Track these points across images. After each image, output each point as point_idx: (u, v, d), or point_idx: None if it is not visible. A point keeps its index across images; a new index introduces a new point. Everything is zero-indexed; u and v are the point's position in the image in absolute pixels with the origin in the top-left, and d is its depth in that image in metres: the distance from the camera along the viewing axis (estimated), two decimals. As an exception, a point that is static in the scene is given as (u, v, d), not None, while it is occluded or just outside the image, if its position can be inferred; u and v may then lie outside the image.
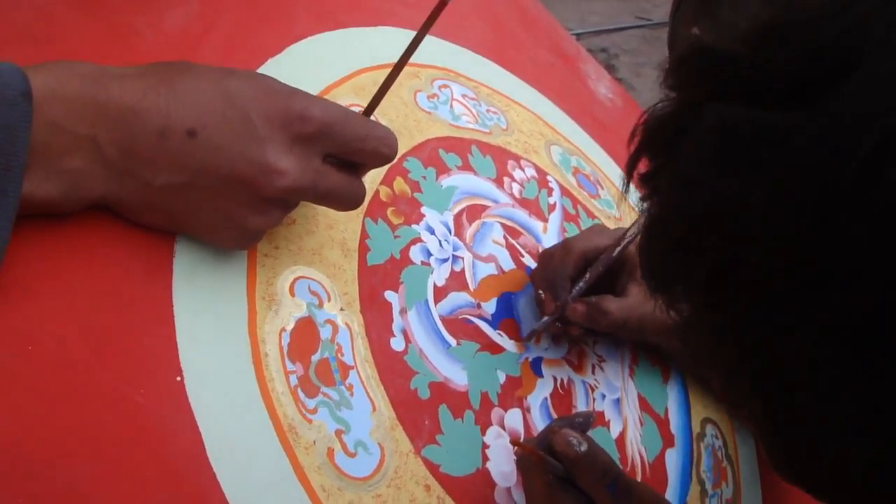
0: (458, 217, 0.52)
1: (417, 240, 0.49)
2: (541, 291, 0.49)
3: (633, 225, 0.49)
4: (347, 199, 0.40)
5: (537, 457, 0.40)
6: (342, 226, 0.47)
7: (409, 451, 0.42)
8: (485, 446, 0.45)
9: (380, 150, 0.39)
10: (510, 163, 0.58)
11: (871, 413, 0.24)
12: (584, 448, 0.39)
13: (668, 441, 0.54)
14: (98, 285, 0.37)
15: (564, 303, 0.48)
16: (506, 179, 0.57)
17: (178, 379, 0.37)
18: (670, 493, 0.52)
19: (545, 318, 0.50)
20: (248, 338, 0.40)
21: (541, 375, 0.50)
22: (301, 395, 0.40)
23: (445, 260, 0.50)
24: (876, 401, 0.23)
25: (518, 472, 0.43)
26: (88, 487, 0.33)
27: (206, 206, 0.37)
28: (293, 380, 0.40)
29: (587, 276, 0.48)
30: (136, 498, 0.34)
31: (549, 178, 0.60)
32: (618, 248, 0.48)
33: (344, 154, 0.38)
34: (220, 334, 0.39)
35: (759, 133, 0.23)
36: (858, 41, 0.22)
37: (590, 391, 0.52)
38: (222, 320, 0.40)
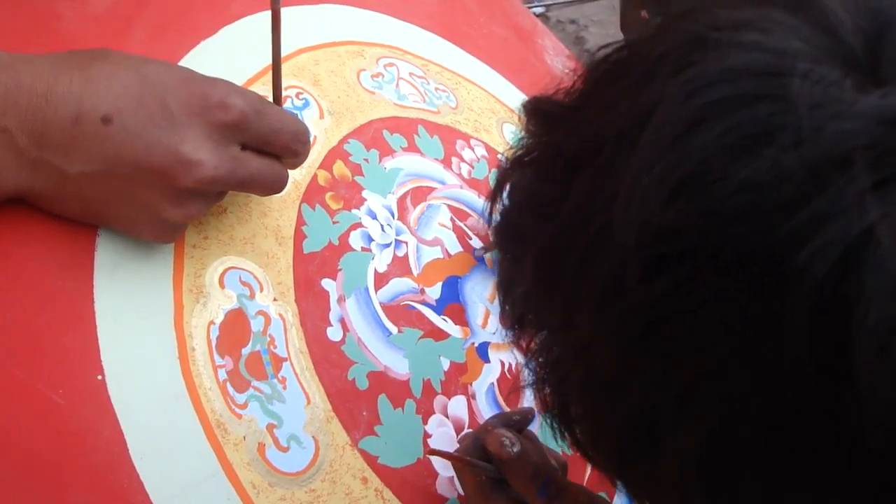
0: (401, 200, 0.51)
1: (358, 225, 0.48)
2: None
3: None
4: (269, 184, 0.39)
5: (459, 462, 0.40)
6: (277, 213, 0.45)
7: (345, 444, 0.41)
8: (426, 435, 0.44)
9: (292, 146, 0.38)
10: (459, 142, 0.57)
11: None
12: (516, 449, 0.39)
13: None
14: (13, 281, 0.36)
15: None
16: (454, 160, 0.56)
17: (99, 378, 0.36)
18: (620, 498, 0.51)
19: None
20: (174, 332, 0.39)
21: (487, 360, 0.49)
22: (230, 389, 0.39)
23: (388, 245, 0.48)
24: None
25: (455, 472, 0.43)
26: (4, 489, 0.32)
27: (124, 197, 0.36)
28: (222, 374, 0.39)
29: None
30: (55, 499, 0.33)
31: (499, 156, 0.59)
32: None
33: (259, 146, 0.37)
34: (145, 330, 0.38)
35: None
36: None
37: (539, 375, 0.51)
38: (147, 315, 0.38)
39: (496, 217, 0.31)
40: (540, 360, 0.29)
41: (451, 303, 0.49)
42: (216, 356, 0.39)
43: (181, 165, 0.35)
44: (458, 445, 0.45)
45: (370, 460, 0.42)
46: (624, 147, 0.22)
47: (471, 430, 0.46)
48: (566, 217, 0.24)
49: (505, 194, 0.30)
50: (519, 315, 0.30)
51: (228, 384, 0.39)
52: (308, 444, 0.40)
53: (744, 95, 0.20)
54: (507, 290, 0.31)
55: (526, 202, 0.28)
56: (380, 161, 0.51)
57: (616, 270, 0.22)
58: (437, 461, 0.44)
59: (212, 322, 0.40)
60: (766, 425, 0.20)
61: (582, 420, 0.28)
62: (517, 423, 0.41)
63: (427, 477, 0.43)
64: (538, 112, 0.28)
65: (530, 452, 0.39)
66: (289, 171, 0.40)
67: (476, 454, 0.40)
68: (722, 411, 0.21)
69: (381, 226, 0.49)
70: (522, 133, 0.29)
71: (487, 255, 0.53)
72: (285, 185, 0.40)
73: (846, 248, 0.18)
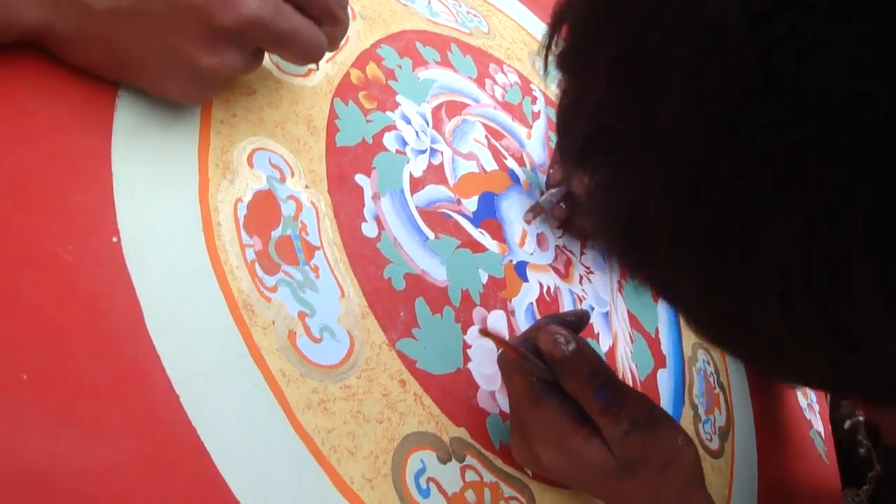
0: (436, 111, 0.48)
1: (392, 127, 0.44)
2: (551, 171, 0.47)
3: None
4: (308, 47, 0.35)
5: (514, 353, 0.35)
6: (309, 103, 0.42)
7: (382, 343, 0.37)
8: (466, 346, 0.40)
9: (333, 9, 0.35)
10: (492, 66, 0.54)
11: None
12: (571, 347, 0.35)
13: (659, 361, 0.50)
14: (25, 133, 0.32)
15: (573, 173, 0.45)
16: (487, 81, 0.53)
17: (115, 240, 0.32)
18: (662, 414, 0.48)
19: (552, 191, 0.46)
20: (199, 205, 0.35)
21: (526, 280, 0.45)
22: (259, 270, 0.35)
23: (423, 151, 0.45)
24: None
25: (501, 374, 0.38)
26: (4, 348, 0.28)
27: (152, 40, 0.32)
28: (250, 254, 0.35)
29: None
30: (60, 366, 0.29)
31: (532, 86, 0.56)
32: None
33: (299, 3, 0.34)
34: (166, 198, 0.34)
35: None
36: None
37: (578, 301, 0.48)
38: (168, 183, 0.34)
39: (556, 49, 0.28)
40: (608, 189, 0.25)
41: (488, 218, 0.46)
42: (244, 234, 0.35)
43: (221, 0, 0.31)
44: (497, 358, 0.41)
45: (408, 363, 0.38)
46: None
47: (511, 346, 0.42)
48: None
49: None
50: (587, 135, 0.25)
51: (257, 265, 0.35)
52: (342, 337, 0.36)
53: None
54: (568, 119, 0.27)
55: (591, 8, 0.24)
56: (413, 70, 0.48)
57: (713, 28, 0.18)
58: (477, 372, 0.40)
59: (239, 199, 0.36)
60: (884, 187, 0.17)
61: (662, 250, 0.24)
62: (572, 324, 0.38)
63: (468, 388, 0.39)
64: None
65: (587, 352, 0.35)
66: (320, 62, 0.37)
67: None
68: (831, 179, 0.18)
69: (416, 132, 0.46)
70: None
71: (523, 177, 0.49)
72: (323, 53, 0.36)
73: None
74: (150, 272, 0.32)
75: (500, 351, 0.40)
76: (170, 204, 0.34)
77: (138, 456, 0.29)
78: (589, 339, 0.46)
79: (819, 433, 0.62)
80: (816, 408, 0.64)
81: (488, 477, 0.37)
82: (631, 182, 0.23)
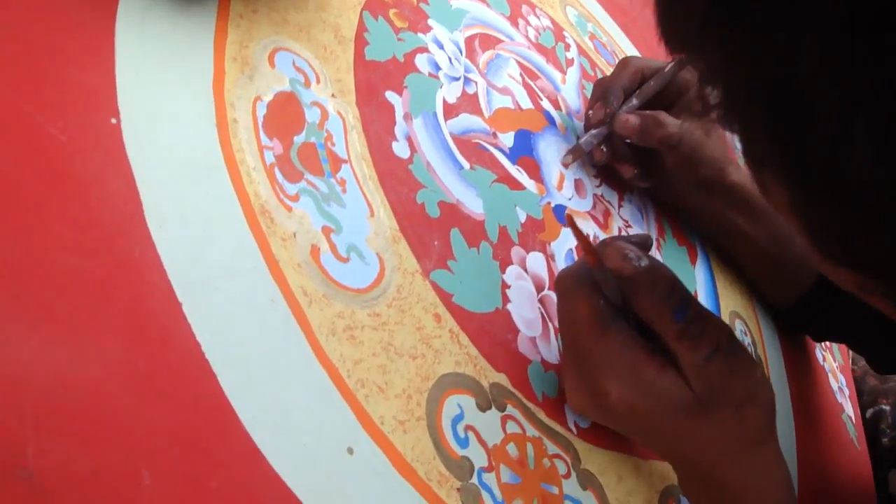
0: (469, 41, 0.44)
1: (423, 49, 0.40)
2: (590, 112, 0.43)
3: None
4: None
5: (594, 260, 0.30)
6: (336, 11, 0.37)
7: (415, 271, 0.33)
8: (504, 285, 0.36)
9: None
10: (524, 7, 0.50)
11: None
12: (644, 263, 0.30)
13: (699, 328, 0.46)
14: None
15: (615, 112, 0.41)
16: (520, 21, 0.49)
17: (114, 121, 0.27)
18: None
19: (592, 132, 0.42)
20: (213, 97, 0.30)
21: (565, 224, 0.41)
22: (279, 176, 0.30)
23: (456, 79, 0.41)
24: None
25: (558, 299, 0.33)
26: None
27: None
28: (269, 156, 0.30)
29: (639, 92, 0.42)
30: (45, 242, 0.24)
31: (565, 33, 0.52)
32: (670, 65, 0.42)
33: None
34: (175, 84, 0.29)
35: None
36: None
37: (617, 255, 0.43)
38: (178, 70, 0.30)
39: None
40: (742, 61, 0.21)
41: (525, 155, 0.42)
42: (263, 135, 0.30)
43: None
44: (538, 304, 0.37)
45: (444, 296, 0.33)
46: None
47: (551, 291, 0.38)
48: None
49: None
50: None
51: (277, 170, 0.30)
52: (372, 260, 0.31)
53: None
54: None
55: None
56: (445, -3, 0.44)
57: None
58: (517, 315, 0.35)
59: (259, 98, 0.31)
60: None
61: (824, 116, 0.20)
62: (636, 245, 0.33)
63: (507, 332, 0.34)
64: None
65: (662, 268, 0.31)
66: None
67: (587, 282, 0.31)
68: None
69: (449, 58, 0.41)
70: None
71: (559, 121, 0.45)
72: None
73: None
74: (153, 162, 0.27)
75: (546, 287, 0.35)
76: (179, 92, 0.29)
77: (127, 369, 0.23)
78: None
79: (850, 417, 0.58)
80: (846, 391, 0.60)
81: (531, 430, 0.33)
82: (776, 44, 0.19)
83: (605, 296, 0.30)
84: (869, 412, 0.68)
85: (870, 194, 0.18)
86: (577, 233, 0.29)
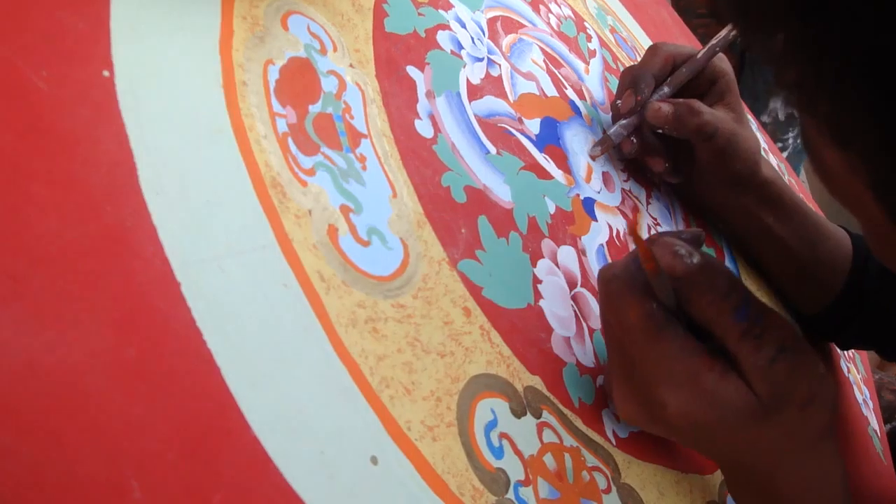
0: (492, 22, 0.41)
1: (445, 26, 0.37)
2: (618, 101, 0.40)
3: (722, 32, 0.39)
4: None
5: (651, 264, 0.26)
6: (352, -22, 0.34)
7: (441, 259, 0.29)
8: (536, 280, 0.32)
9: None
10: (546, -6, 0.47)
11: None
12: (696, 259, 0.27)
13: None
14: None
15: (645, 100, 0.37)
16: (542, 8, 0.46)
17: (106, 74, 0.23)
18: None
19: (621, 122, 0.39)
20: (219, 56, 0.27)
21: (595, 219, 0.38)
22: (293, 147, 0.26)
23: (480, 59, 0.38)
24: None
25: (603, 303, 0.29)
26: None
27: None
28: (282, 125, 0.27)
29: (671, 79, 0.38)
30: (21, 203, 0.20)
31: (586, 24, 0.50)
32: (702, 52, 0.39)
33: None
34: (177, 39, 0.26)
35: None
36: None
37: (648, 254, 0.40)
38: (181, 23, 0.26)
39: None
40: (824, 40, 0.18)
41: (552, 144, 0.38)
42: (275, 102, 0.27)
43: None
44: (570, 302, 0.33)
45: (473, 289, 0.29)
46: None
47: (584, 288, 0.34)
48: None
49: None
50: None
51: (290, 140, 0.27)
52: (395, 245, 0.28)
53: None
54: None
55: None
56: (465, -24, 0.41)
57: None
58: (550, 312, 0.32)
59: (270, 61, 0.28)
60: None
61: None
62: (687, 241, 0.30)
63: (540, 330, 0.31)
64: None
65: (717, 263, 0.27)
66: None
67: (637, 284, 0.27)
68: None
69: (472, 38, 0.38)
70: None
71: (584, 111, 0.42)
72: None
73: None
74: (150, 121, 0.23)
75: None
76: (181, 47, 0.26)
77: (114, 357, 0.20)
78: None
79: (875, 431, 0.55)
80: (871, 404, 0.57)
81: (568, 440, 0.29)
82: (879, 9, 0.16)
83: (657, 299, 0.27)
84: (887, 427, 0.65)
85: None
86: (638, 239, 0.26)
